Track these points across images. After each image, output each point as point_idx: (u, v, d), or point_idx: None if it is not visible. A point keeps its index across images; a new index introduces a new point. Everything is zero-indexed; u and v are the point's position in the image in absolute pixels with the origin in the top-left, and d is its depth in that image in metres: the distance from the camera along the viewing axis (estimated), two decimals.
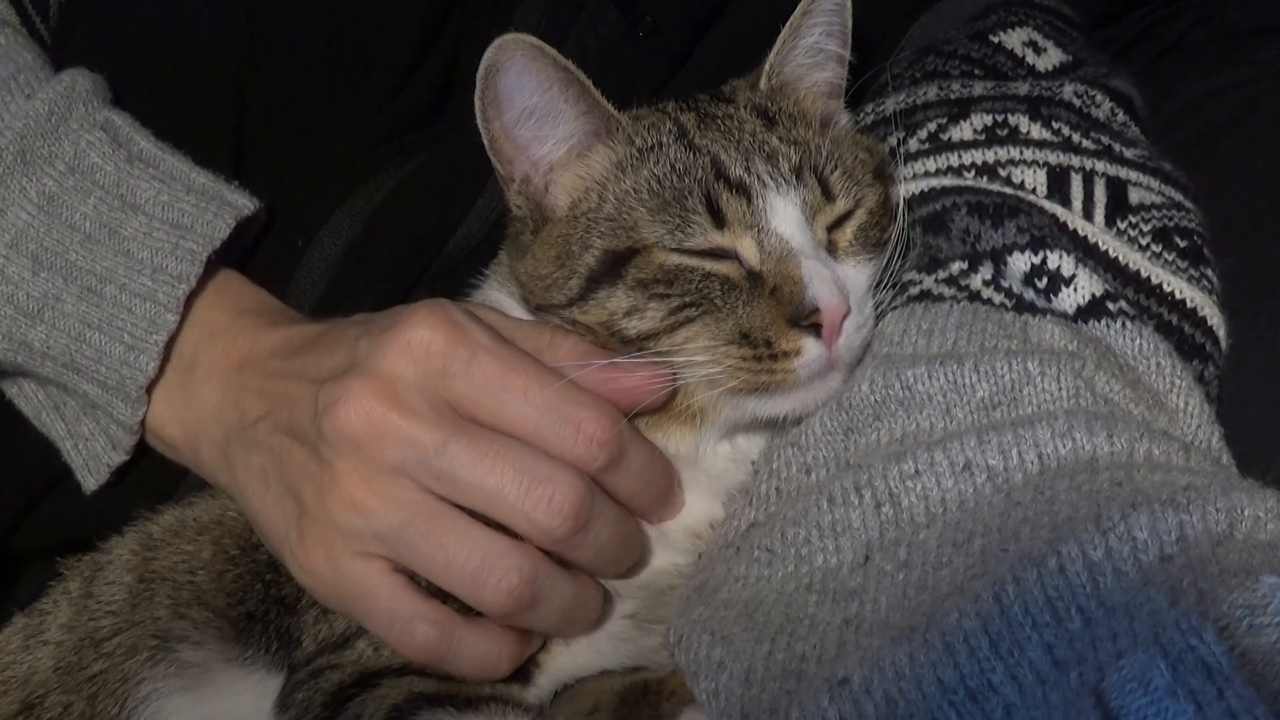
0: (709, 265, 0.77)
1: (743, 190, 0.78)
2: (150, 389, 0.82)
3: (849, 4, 0.85)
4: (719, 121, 0.82)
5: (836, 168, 0.81)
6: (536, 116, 0.80)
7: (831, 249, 0.80)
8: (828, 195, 0.80)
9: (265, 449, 0.77)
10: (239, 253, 0.87)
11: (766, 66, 0.85)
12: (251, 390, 0.80)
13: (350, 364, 0.74)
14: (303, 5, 0.90)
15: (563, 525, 0.72)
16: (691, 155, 0.80)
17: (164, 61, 0.90)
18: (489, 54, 0.77)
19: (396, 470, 0.73)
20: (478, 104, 0.79)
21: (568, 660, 0.80)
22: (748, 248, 0.77)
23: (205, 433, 0.82)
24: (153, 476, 0.89)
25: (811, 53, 0.85)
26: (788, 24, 0.84)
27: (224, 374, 0.81)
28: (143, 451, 0.86)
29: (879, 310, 0.80)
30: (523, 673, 0.79)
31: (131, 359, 0.81)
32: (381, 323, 0.76)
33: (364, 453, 0.72)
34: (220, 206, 0.83)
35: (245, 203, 0.84)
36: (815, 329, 0.75)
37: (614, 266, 0.78)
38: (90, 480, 0.87)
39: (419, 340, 0.73)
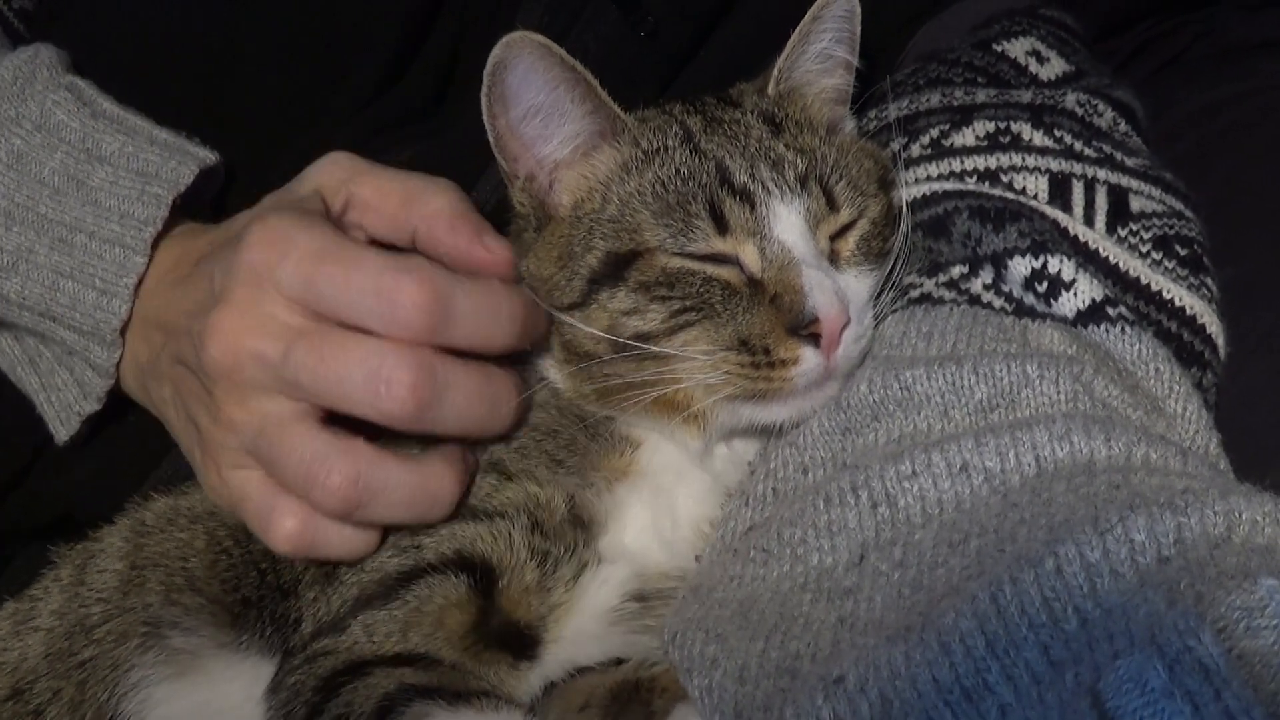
0: (710, 270, 0.77)
1: (747, 197, 0.78)
2: (124, 331, 0.83)
3: (859, 11, 0.85)
4: (725, 126, 0.82)
5: (841, 177, 0.81)
6: (542, 115, 0.80)
7: (834, 258, 0.80)
8: (832, 204, 0.80)
9: (168, 380, 0.81)
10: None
11: (775, 72, 0.85)
12: (152, 323, 0.82)
13: (209, 297, 0.76)
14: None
15: (404, 408, 0.73)
16: (697, 159, 0.80)
17: (142, 51, 0.92)
18: (497, 51, 0.77)
19: (260, 387, 0.74)
20: (484, 100, 0.79)
21: (571, 646, 0.80)
22: (750, 254, 0.77)
23: (137, 366, 0.84)
24: (132, 453, 0.90)
25: (820, 59, 0.86)
26: (797, 29, 0.84)
27: (140, 308, 0.83)
28: (113, 412, 0.88)
29: (879, 315, 0.80)
30: (529, 649, 0.78)
31: (104, 303, 0.82)
32: (230, 236, 0.78)
33: (231, 378, 0.75)
34: (184, 156, 0.85)
35: (207, 154, 0.86)
36: (814, 338, 0.75)
37: (616, 268, 0.78)
38: (62, 431, 0.89)
39: (250, 262, 0.74)
